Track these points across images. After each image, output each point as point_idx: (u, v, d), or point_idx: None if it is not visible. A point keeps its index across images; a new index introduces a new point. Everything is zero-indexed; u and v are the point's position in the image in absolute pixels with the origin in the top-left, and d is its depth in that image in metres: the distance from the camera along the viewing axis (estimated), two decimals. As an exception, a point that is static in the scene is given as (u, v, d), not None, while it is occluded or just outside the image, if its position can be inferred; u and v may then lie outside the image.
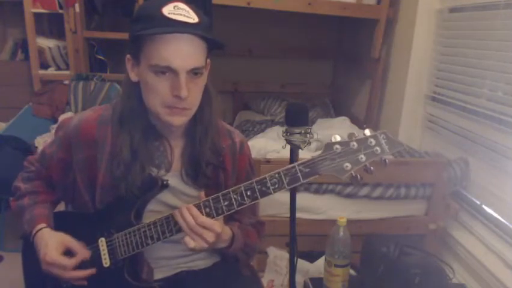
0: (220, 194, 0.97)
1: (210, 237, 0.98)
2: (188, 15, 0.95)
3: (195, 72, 0.97)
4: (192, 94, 0.98)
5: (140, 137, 1.03)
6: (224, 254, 1.17)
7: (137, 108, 1.04)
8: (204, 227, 0.97)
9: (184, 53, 0.94)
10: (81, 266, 1.04)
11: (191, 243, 0.97)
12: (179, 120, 1.01)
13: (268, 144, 2.04)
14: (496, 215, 1.87)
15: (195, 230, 0.96)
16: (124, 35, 2.95)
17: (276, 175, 0.94)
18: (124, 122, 1.04)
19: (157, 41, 0.93)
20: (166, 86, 0.96)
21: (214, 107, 1.10)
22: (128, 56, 1.02)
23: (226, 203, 0.97)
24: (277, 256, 1.92)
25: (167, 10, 0.94)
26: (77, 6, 2.73)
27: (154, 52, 0.94)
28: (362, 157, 0.89)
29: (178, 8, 0.94)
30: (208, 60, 1.05)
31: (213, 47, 1.02)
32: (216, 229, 0.98)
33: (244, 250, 1.16)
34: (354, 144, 0.90)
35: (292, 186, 0.95)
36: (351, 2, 2.52)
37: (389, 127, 2.52)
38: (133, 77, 1.02)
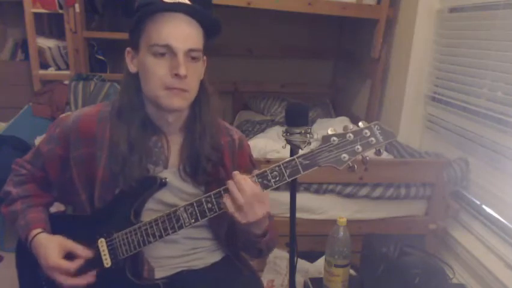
0: (221, 189, 0.98)
1: (261, 209, 0.96)
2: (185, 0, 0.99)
3: (192, 56, 1.00)
4: (190, 77, 1.00)
5: (137, 129, 1.04)
6: (251, 243, 1.10)
7: (135, 100, 1.05)
8: (258, 199, 0.95)
9: (182, 34, 0.98)
10: (83, 267, 1.04)
11: (242, 218, 0.95)
12: (179, 102, 1.01)
13: (268, 144, 2.04)
14: (496, 215, 1.87)
15: (250, 200, 0.94)
16: (124, 35, 2.97)
17: (277, 168, 0.96)
18: (121, 114, 1.05)
19: (156, 21, 0.97)
20: (165, 67, 0.98)
21: (212, 105, 1.11)
22: (128, 49, 1.05)
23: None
24: (277, 256, 1.92)
25: None
26: (77, 6, 2.73)
27: (154, 32, 0.98)
28: (358, 148, 0.94)
29: None
30: (205, 57, 1.08)
31: (210, 33, 1.05)
32: (267, 203, 0.97)
33: (269, 243, 1.12)
34: (350, 136, 0.94)
35: (292, 178, 0.96)
36: (351, 2, 2.52)
37: (389, 127, 2.51)
38: (132, 68, 1.05)
